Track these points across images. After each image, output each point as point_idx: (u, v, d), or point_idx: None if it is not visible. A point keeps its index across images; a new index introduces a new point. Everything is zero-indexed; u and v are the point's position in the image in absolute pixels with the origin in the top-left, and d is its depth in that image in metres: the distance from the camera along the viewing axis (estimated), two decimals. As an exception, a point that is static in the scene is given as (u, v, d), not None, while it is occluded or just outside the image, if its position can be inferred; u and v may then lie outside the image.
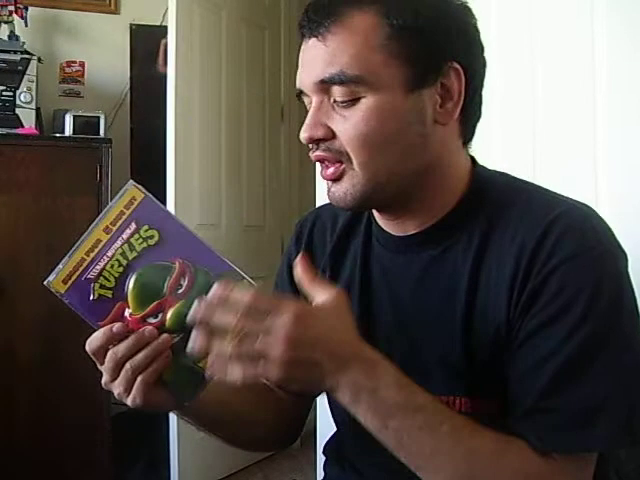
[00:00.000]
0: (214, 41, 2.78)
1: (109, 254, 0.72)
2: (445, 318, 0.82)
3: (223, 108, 2.84)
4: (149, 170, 3.00)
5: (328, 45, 0.78)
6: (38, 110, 2.63)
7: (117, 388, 0.74)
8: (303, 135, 0.81)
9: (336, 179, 0.81)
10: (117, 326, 0.72)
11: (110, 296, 0.72)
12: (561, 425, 0.71)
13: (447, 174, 0.84)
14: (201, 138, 2.70)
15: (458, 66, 0.80)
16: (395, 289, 0.87)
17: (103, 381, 0.74)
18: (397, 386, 0.70)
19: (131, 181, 0.73)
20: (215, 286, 0.68)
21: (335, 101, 0.79)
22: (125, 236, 0.72)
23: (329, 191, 0.83)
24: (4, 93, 2.50)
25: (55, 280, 0.73)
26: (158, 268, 0.72)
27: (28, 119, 2.54)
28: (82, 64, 2.99)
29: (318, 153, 0.81)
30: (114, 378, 0.75)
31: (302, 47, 0.82)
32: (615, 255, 0.77)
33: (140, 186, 0.73)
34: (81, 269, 0.72)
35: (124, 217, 0.72)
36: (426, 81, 0.79)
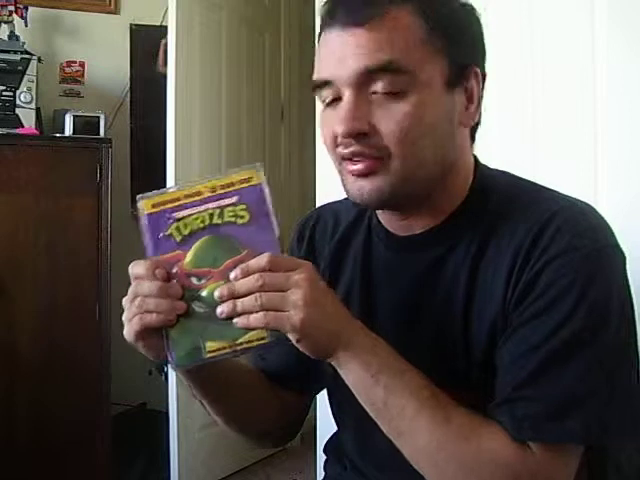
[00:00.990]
0: (214, 41, 2.78)
1: (200, 208, 0.74)
2: (447, 317, 0.82)
3: (223, 108, 2.84)
4: (149, 170, 3.01)
5: (375, 35, 0.75)
6: (38, 110, 2.62)
7: (124, 313, 0.75)
8: (342, 128, 0.77)
9: (367, 175, 0.78)
10: (159, 271, 0.73)
11: (178, 240, 0.74)
12: (537, 415, 0.72)
13: (458, 175, 0.85)
14: (201, 138, 2.70)
15: (478, 70, 0.82)
16: (397, 289, 0.88)
17: (123, 301, 0.76)
18: (390, 349, 0.76)
19: (260, 163, 0.77)
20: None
21: (375, 93, 0.77)
22: (222, 203, 0.74)
23: (354, 186, 0.80)
24: (4, 93, 2.50)
25: (147, 200, 0.75)
26: (228, 244, 0.74)
27: (28, 119, 2.54)
28: (82, 64, 2.99)
29: (355, 148, 0.78)
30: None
31: (329, 36, 0.78)
32: (611, 253, 0.77)
33: (263, 173, 0.76)
34: (171, 205, 0.75)
35: (232, 188, 0.74)
36: (458, 82, 0.80)
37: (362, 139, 0.77)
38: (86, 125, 2.59)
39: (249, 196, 0.74)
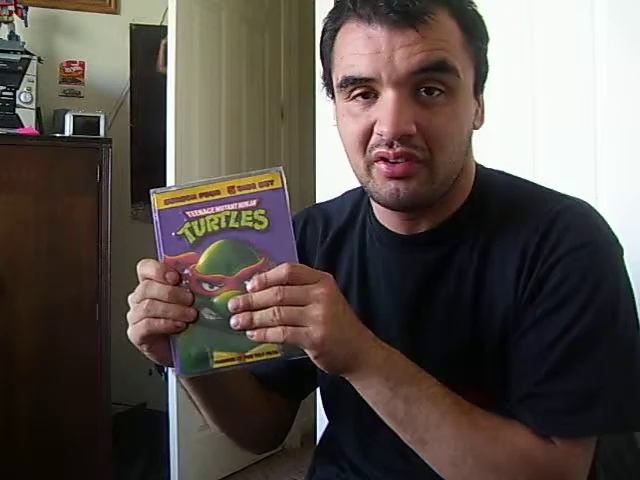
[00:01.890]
0: (214, 41, 2.78)
1: (217, 209, 0.71)
2: (454, 315, 0.83)
3: (223, 108, 2.84)
4: (149, 170, 3.01)
5: (426, 35, 0.74)
6: (38, 110, 2.62)
7: (130, 313, 0.73)
8: (390, 129, 0.74)
9: (406, 176, 0.77)
10: (171, 274, 0.70)
11: (191, 241, 0.71)
12: (559, 409, 0.74)
13: (464, 175, 0.86)
14: (201, 138, 2.70)
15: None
16: (399, 289, 0.88)
17: (129, 299, 0.73)
18: (405, 359, 0.74)
19: (281, 167, 0.72)
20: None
21: (419, 94, 0.76)
22: (241, 206, 0.70)
23: (388, 187, 0.78)
24: (4, 93, 2.50)
25: (160, 195, 0.71)
26: (244, 251, 0.71)
27: (28, 119, 2.54)
28: (82, 64, 2.99)
29: (401, 149, 0.76)
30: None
31: (369, 31, 0.75)
32: (614, 248, 0.80)
33: (284, 178, 0.72)
34: (186, 202, 0.71)
35: (252, 190, 0.71)
36: (481, 87, 0.82)
37: (407, 140, 0.75)
38: (86, 125, 2.59)
39: (269, 200, 0.71)
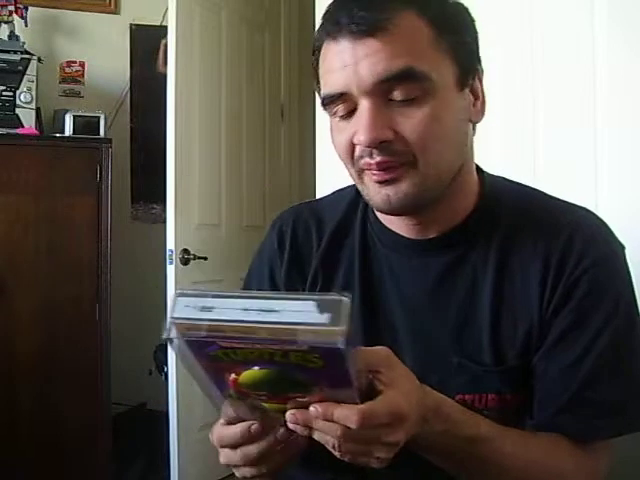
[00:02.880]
0: (214, 41, 2.78)
1: (258, 346, 0.55)
2: (469, 321, 0.83)
3: (223, 108, 2.84)
4: (149, 170, 3.01)
5: (387, 42, 0.74)
6: (38, 110, 2.63)
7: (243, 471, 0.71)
8: (366, 137, 0.75)
9: (393, 181, 0.78)
10: (255, 427, 0.65)
11: (227, 360, 0.58)
12: (600, 414, 0.78)
13: (468, 175, 0.86)
14: (201, 138, 2.70)
15: (479, 67, 0.83)
16: (408, 292, 0.87)
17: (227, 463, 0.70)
18: (463, 420, 0.72)
19: (344, 327, 0.53)
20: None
21: (391, 100, 0.76)
22: (286, 347, 0.54)
23: (379, 194, 0.79)
24: (4, 93, 2.50)
25: (179, 325, 0.55)
26: (293, 379, 0.59)
27: (28, 119, 2.54)
28: (82, 64, 2.99)
29: (382, 158, 0.76)
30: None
31: (337, 47, 0.76)
32: (624, 256, 0.85)
33: (349, 330, 0.53)
34: (214, 334, 0.55)
35: (304, 338, 0.53)
36: (468, 80, 0.81)
37: (386, 147, 0.76)
38: (86, 125, 2.59)
39: (324, 351, 0.54)
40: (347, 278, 0.91)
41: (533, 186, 0.91)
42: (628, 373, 0.79)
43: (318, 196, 2.03)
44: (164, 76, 2.59)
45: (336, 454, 0.63)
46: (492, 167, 0.92)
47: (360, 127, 0.76)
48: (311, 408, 0.60)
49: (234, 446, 0.68)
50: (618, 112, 1.42)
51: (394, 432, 0.62)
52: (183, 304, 0.56)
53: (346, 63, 0.75)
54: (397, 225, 0.88)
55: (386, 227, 0.89)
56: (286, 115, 3.28)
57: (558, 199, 0.88)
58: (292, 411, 0.61)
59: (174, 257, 2.47)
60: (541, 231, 0.82)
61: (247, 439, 0.67)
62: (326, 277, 0.92)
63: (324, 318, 0.52)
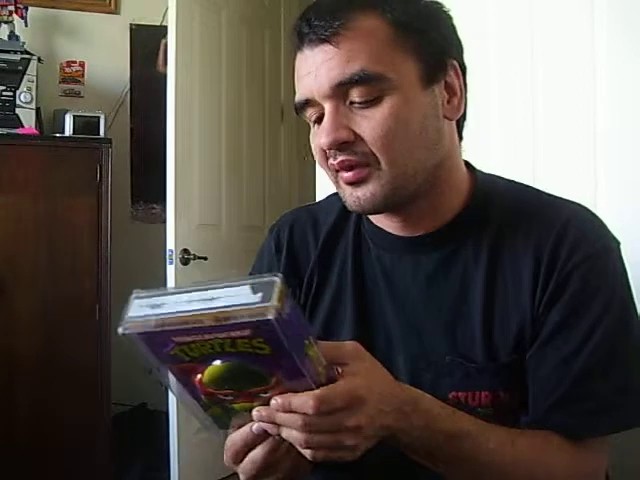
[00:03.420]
0: (214, 41, 2.78)
1: (206, 337, 0.59)
2: (461, 318, 0.83)
3: (223, 108, 2.84)
4: (149, 170, 3.01)
5: (341, 47, 0.77)
6: (38, 110, 2.63)
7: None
8: (325, 139, 0.78)
9: (360, 182, 0.79)
10: (256, 427, 0.66)
11: (187, 359, 0.61)
12: (594, 410, 0.77)
13: (454, 172, 0.86)
14: (201, 138, 2.70)
15: (456, 63, 0.83)
16: (400, 290, 0.87)
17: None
18: (443, 417, 0.72)
19: (275, 299, 0.57)
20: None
21: (352, 103, 0.78)
22: (233, 334, 0.58)
23: (351, 196, 0.81)
24: (4, 93, 2.50)
25: (133, 324, 0.60)
26: (251, 372, 0.62)
27: (28, 119, 2.54)
28: (82, 64, 2.99)
29: (343, 158, 0.79)
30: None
31: (302, 56, 0.80)
32: (619, 250, 0.83)
33: (281, 306, 0.56)
34: (168, 329, 0.59)
35: (241, 320, 0.57)
36: (435, 77, 0.81)
37: (346, 148, 0.78)
38: (86, 125, 2.59)
39: (264, 331, 0.57)
40: (340, 278, 0.91)
41: (532, 185, 0.91)
42: (623, 369, 0.78)
43: (318, 197, 2.04)
44: (164, 76, 2.59)
45: (307, 454, 0.64)
46: (492, 167, 0.92)
47: (322, 130, 0.79)
48: (272, 401, 0.62)
49: (242, 452, 0.70)
50: (617, 111, 1.42)
51: (353, 415, 0.63)
52: (138, 305, 0.60)
53: (308, 71, 0.79)
54: (386, 224, 0.88)
55: (377, 227, 0.90)
56: (286, 115, 3.28)
57: (551, 195, 0.87)
58: (257, 408, 0.63)
59: (174, 257, 2.47)
60: (533, 226, 0.82)
61: (251, 441, 0.68)
62: (321, 278, 0.93)
63: (257, 297, 0.57)
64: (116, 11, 3.08)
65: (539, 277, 0.80)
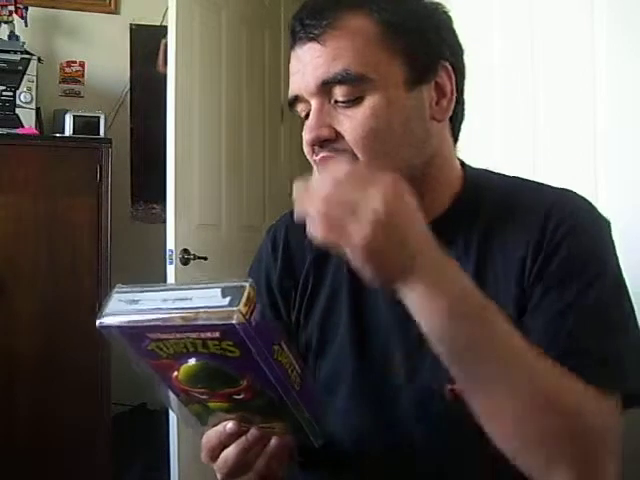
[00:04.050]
0: (214, 41, 2.78)
1: (178, 336, 0.61)
2: None
3: (223, 108, 2.84)
4: (149, 170, 3.01)
5: (327, 46, 0.78)
6: (38, 110, 2.63)
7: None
8: (308, 136, 0.81)
9: None
10: (230, 426, 0.70)
11: (164, 356, 0.63)
12: (591, 364, 0.72)
13: (444, 170, 0.86)
14: (201, 138, 2.70)
15: (448, 65, 0.83)
16: None
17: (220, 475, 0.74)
18: (467, 285, 0.68)
19: (243, 301, 0.59)
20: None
21: (337, 102, 0.79)
22: (203, 336, 0.60)
23: None
24: (4, 93, 2.50)
25: (111, 319, 0.63)
26: (223, 373, 0.63)
27: (28, 119, 2.54)
28: (82, 64, 2.99)
29: (324, 154, 0.81)
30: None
31: (294, 54, 0.82)
32: (607, 228, 0.83)
33: (246, 310, 0.58)
34: (142, 325, 0.61)
35: (210, 322, 0.59)
36: (423, 78, 0.81)
37: (328, 145, 0.80)
38: (86, 125, 2.59)
39: (231, 334, 0.59)
40: (336, 276, 0.92)
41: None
42: (621, 330, 0.75)
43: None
44: (164, 76, 2.59)
45: (312, 232, 0.65)
46: (493, 166, 0.92)
47: (307, 126, 0.82)
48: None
49: (217, 450, 0.72)
50: (618, 111, 1.42)
51: (376, 198, 0.63)
52: (117, 299, 0.64)
53: (298, 68, 0.82)
54: None
55: None
56: (286, 115, 3.27)
57: (542, 183, 0.88)
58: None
59: (174, 257, 2.47)
60: (521, 216, 0.82)
61: (225, 439, 0.71)
62: (317, 278, 0.93)
63: (225, 301, 0.58)
64: (116, 11, 3.08)
65: (528, 256, 0.79)
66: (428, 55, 0.81)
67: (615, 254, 0.81)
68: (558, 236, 0.79)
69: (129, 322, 0.61)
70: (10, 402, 2.36)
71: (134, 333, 0.62)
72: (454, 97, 0.83)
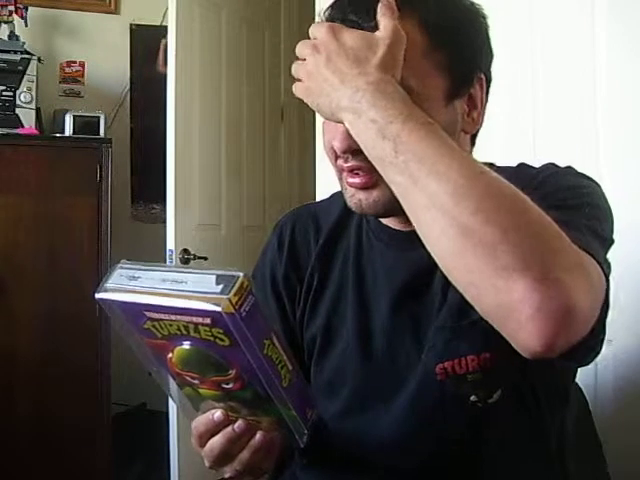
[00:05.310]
0: (214, 41, 2.78)
1: (172, 318, 0.62)
2: (454, 298, 0.81)
3: (223, 108, 2.84)
4: (149, 170, 3.01)
5: None
6: (38, 110, 2.63)
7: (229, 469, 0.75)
8: (340, 145, 0.76)
9: (366, 187, 0.78)
10: (217, 415, 0.71)
11: (159, 336, 0.65)
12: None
13: None
14: (201, 138, 2.70)
15: (482, 76, 0.81)
16: (397, 282, 0.87)
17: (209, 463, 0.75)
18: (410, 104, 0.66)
19: (234, 289, 0.59)
20: None
21: None
22: (195, 320, 0.61)
23: (353, 197, 0.80)
24: (4, 93, 2.50)
25: (113, 294, 0.65)
26: (213, 360, 0.64)
27: (28, 119, 2.54)
28: (82, 64, 2.99)
29: (354, 163, 0.77)
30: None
31: None
32: (599, 187, 0.81)
33: (236, 300, 0.59)
34: (141, 301, 0.63)
35: (200, 307, 0.59)
36: (460, 92, 0.79)
37: (358, 154, 0.74)
38: (86, 125, 2.59)
39: (222, 322, 0.60)
40: (342, 273, 0.92)
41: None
42: (597, 232, 0.70)
43: (318, 197, 2.04)
44: (164, 76, 2.59)
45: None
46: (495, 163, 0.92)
47: (337, 134, 0.75)
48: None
49: (205, 437, 0.73)
50: (618, 110, 1.43)
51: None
52: (118, 274, 0.66)
53: None
54: (389, 220, 0.88)
55: (380, 222, 0.90)
56: (286, 115, 3.27)
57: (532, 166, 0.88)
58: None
59: (174, 257, 2.47)
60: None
61: (212, 428, 0.71)
62: (322, 274, 0.93)
63: (217, 288, 0.59)
64: (116, 11, 3.08)
65: None
66: (467, 69, 0.79)
67: (606, 208, 0.78)
68: (541, 177, 0.79)
69: (123, 299, 0.63)
70: (10, 402, 2.35)
71: (133, 309, 0.64)
72: (484, 107, 0.82)
